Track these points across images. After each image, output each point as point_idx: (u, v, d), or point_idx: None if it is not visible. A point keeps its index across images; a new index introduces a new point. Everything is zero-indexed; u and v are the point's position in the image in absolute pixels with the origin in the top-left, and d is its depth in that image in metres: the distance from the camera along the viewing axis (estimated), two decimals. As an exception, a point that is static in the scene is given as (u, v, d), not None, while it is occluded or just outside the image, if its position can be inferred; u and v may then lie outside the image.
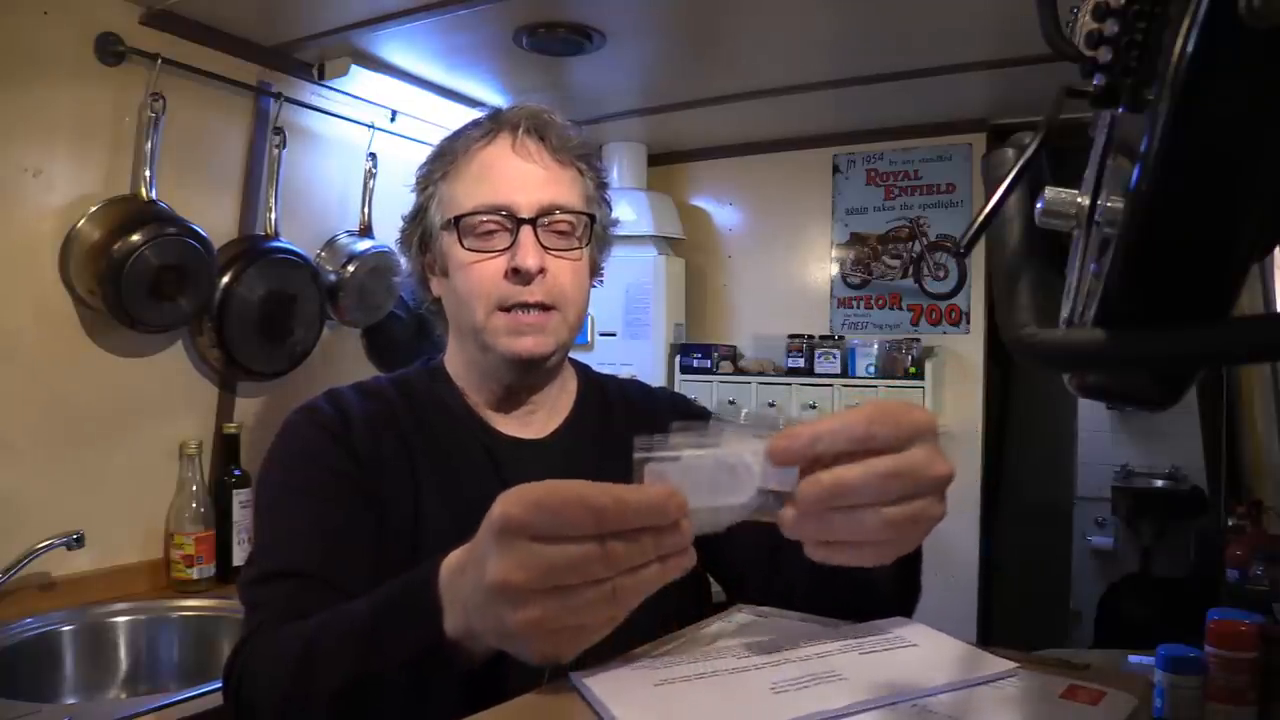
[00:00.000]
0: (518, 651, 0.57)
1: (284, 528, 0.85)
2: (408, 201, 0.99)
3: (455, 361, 0.99)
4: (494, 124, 0.94)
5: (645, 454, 0.59)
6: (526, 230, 0.90)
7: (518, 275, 0.89)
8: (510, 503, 0.53)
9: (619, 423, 0.99)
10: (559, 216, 0.92)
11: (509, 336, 0.90)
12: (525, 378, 0.95)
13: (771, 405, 2.57)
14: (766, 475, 0.59)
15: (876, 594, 0.72)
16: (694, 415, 0.99)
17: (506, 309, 0.90)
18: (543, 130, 0.93)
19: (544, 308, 0.91)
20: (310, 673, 0.66)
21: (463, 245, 0.91)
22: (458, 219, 0.91)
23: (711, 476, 0.59)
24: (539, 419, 0.98)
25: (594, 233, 0.96)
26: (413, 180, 0.99)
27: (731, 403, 2.62)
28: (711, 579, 1.02)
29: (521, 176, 0.91)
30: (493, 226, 0.90)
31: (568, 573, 0.52)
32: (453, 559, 0.61)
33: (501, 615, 0.54)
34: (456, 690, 0.61)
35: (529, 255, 0.89)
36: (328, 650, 0.66)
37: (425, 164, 0.98)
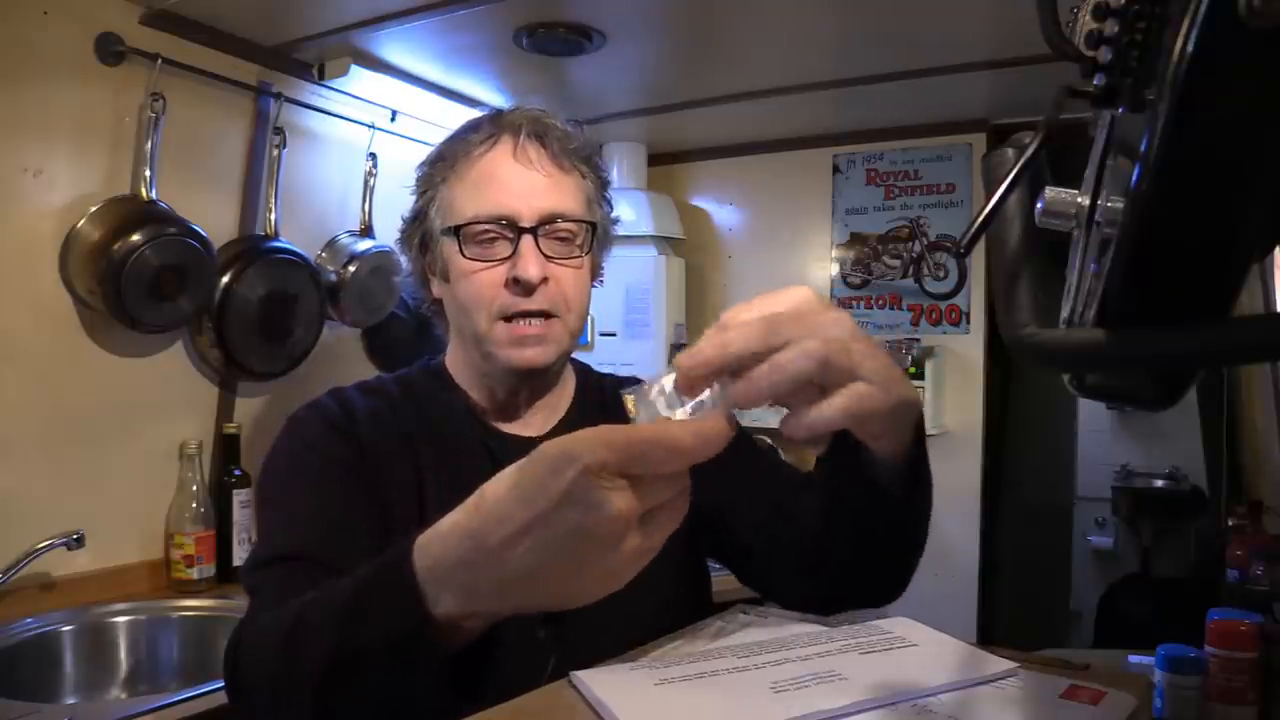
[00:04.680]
0: (528, 605, 0.57)
1: (285, 515, 0.84)
2: (408, 202, 0.99)
3: (456, 363, 0.99)
4: (494, 128, 0.92)
5: (628, 390, 0.61)
6: (528, 240, 0.89)
7: (518, 285, 0.88)
8: (589, 445, 0.54)
9: (616, 421, 0.99)
10: (560, 225, 0.91)
11: (511, 348, 0.90)
12: (526, 385, 0.95)
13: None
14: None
15: (889, 499, 0.72)
16: None
17: (508, 319, 0.90)
18: (544, 135, 0.92)
19: (545, 315, 0.90)
20: (296, 650, 0.64)
21: (463, 254, 0.90)
22: (458, 228, 0.90)
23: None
24: (538, 418, 0.98)
25: (595, 237, 0.96)
26: (413, 180, 0.99)
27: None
28: (713, 576, 1.02)
29: (523, 184, 0.90)
30: (494, 235, 0.89)
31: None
32: (446, 526, 0.57)
33: (603, 558, 0.53)
34: (447, 686, 0.59)
35: (530, 265, 0.88)
36: (313, 626, 0.64)
37: (424, 165, 0.97)
